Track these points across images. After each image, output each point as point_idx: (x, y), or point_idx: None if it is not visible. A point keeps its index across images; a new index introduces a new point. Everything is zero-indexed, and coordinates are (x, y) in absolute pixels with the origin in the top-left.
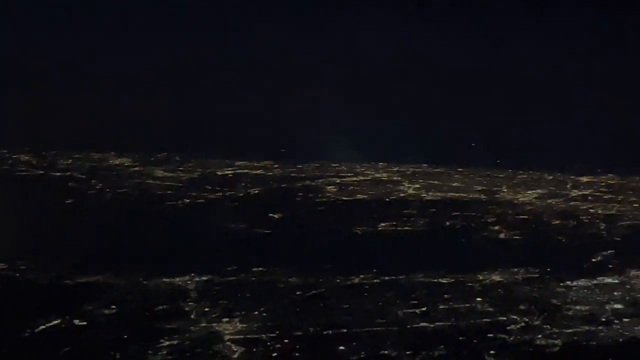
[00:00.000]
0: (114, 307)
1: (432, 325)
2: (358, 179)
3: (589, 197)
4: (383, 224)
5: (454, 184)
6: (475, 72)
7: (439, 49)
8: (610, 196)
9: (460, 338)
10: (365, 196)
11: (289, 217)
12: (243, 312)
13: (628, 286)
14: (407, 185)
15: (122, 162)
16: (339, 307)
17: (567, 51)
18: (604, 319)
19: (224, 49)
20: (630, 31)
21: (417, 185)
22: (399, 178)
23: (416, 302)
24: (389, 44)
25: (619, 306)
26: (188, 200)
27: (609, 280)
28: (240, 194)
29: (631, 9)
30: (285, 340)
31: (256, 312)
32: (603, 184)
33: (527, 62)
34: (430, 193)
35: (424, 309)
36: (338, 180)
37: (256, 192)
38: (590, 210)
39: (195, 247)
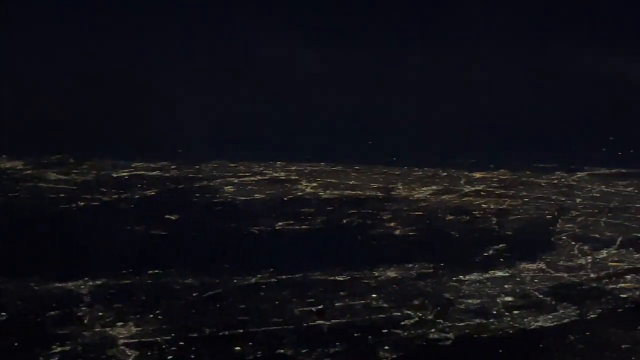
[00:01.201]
0: (3, 313)
1: (328, 323)
2: (256, 179)
3: (482, 193)
4: (280, 223)
5: (351, 182)
6: (368, 70)
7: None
8: (502, 191)
9: (355, 335)
10: (263, 195)
11: (186, 218)
12: (137, 316)
13: (518, 279)
14: (304, 184)
15: (13, 165)
16: (236, 307)
17: (460, 50)
18: (494, 312)
19: (128, 48)
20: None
21: (315, 184)
22: (296, 177)
23: (313, 300)
24: (272, 44)
25: (509, 299)
26: (82, 204)
27: (500, 273)
28: (137, 196)
29: None
30: (181, 343)
31: (151, 315)
32: (495, 179)
33: (421, 61)
34: (327, 191)
35: (320, 306)
36: (236, 180)
37: (152, 193)
38: (483, 205)
39: (90, 251)
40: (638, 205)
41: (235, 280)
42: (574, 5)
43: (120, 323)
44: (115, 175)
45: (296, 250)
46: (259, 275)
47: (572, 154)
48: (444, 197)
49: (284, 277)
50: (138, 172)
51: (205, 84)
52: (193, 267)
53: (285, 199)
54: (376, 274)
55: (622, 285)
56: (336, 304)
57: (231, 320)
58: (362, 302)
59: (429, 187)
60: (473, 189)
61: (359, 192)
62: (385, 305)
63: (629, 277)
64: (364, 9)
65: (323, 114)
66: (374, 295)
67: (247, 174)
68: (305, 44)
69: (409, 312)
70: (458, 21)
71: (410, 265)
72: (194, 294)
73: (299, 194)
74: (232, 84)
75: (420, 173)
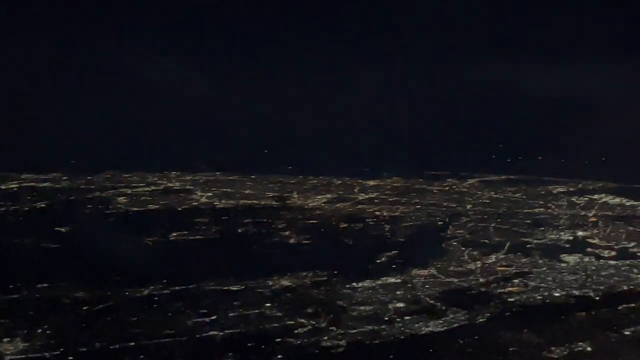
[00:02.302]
0: None
1: (221, 333)
2: (150, 189)
3: (375, 200)
4: (174, 234)
5: (246, 191)
6: (262, 79)
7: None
8: (395, 198)
9: (249, 344)
10: (156, 206)
11: (78, 230)
12: (25, 331)
13: (410, 285)
14: (199, 194)
15: None
16: (127, 320)
17: (355, 63)
18: (386, 318)
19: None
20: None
21: (210, 194)
22: (191, 187)
23: (206, 310)
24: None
25: (401, 305)
26: None
27: (392, 280)
28: (26, 208)
29: None
30: (70, 358)
31: (39, 330)
32: (388, 187)
33: (314, 75)
34: (222, 201)
35: (213, 317)
36: (129, 191)
37: (43, 205)
38: (376, 212)
39: None
40: (526, 211)
41: (127, 293)
42: (466, 17)
43: (7, 339)
44: (3, 187)
45: (190, 260)
46: (151, 287)
47: (463, 161)
48: (338, 205)
49: (177, 288)
50: (28, 184)
51: (95, 96)
52: (84, 280)
53: (179, 209)
54: (270, 283)
55: (510, 289)
56: (230, 314)
57: (122, 334)
58: (255, 311)
59: (323, 196)
60: (367, 196)
61: (254, 201)
62: (279, 314)
63: (516, 281)
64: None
65: (219, 125)
66: (267, 305)
67: (141, 185)
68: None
69: (302, 320)
70: (354, 38)
71: (304, 273)
72: (85, 308)
73: (194, 204)
74: (126, 97)
75: (315, 181)
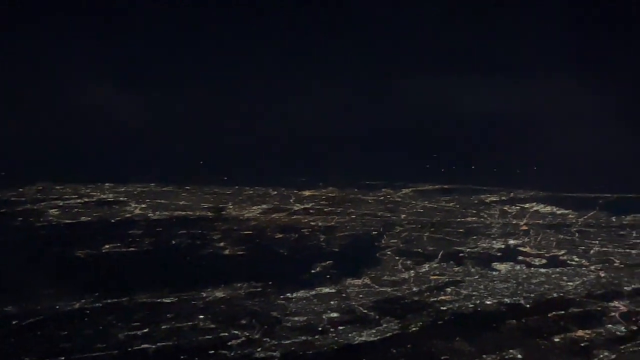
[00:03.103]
0: None
1: (153, 347)
2: (83, 201)
3: (311, 210)
4: (107, 246)
5: (181, 202)
6: (197, 92)
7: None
8: (330, 209)
9: (182, 357)
10: (89, 218)
11: (7, 243)
12: None
13: (344, 294)
14: (133, 206)
15: None
16: (58, 334)
17: (286, 74)
18: (320, 328)
19: None
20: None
21: (144, 205)
22: (125, 198)
23: (138, 323)
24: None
25: (334, 315)
26: None
27: (326, 290)
28: None
29: None
30: None
31: None
32: (324, 197)
33: (249, 83)
34: (157, 212)
35: (146, 330)
36: (61, 203)
37: None
38: (312, 223)
39: None
40: (459, 220)
41: (57, 307)
42: (403, 33)
43: None
44: None
45: (123, 273)
46: (82, 301)
47: (398, 172)
48: (273, 215)
49: (109, 301)
50: None
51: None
52: (13, 294)
53: (112, 221)
54: (204, 295)
55: (443, 297)
56: (162, 327)
57: (52, 348)
58: (189, 323)
59: (259, 206)
60: (302, 207)
61: (189, 212)
62: (212, 325)
63: (449, 289)
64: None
65: (154, 137)
66: (201, 316)
67: (74, 197)
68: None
69: (236, 332)
70: (291, 54)
71: (238, 284)
72: (14, 322)
73: (127, 215)
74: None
75: (251, 192)
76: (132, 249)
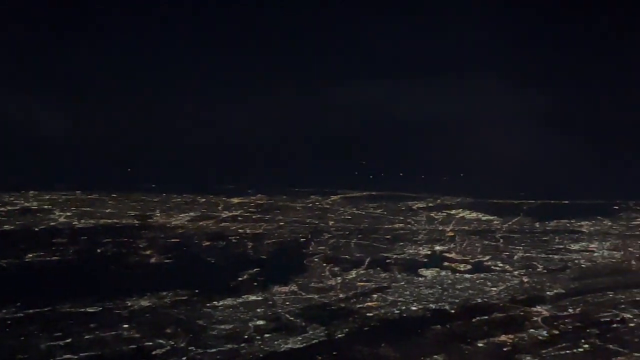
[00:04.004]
0: None
1: (76, 357)
2: (6, 209)
3: (239, 218)
4: (30, 255)
5: (107, 210)
6: (126, 99)
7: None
8: (258, 216)
9: None
10: (12, 226)
11: None
12: None
13: (271, 302)
14: (58, 214)
15: None
16: None
17: (216, 81)
18: (246, 336)
19: None
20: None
21: (69, 213)
22: (49, 206)
23: (60, 333)
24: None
25: (261, 322)
26: None
27: (253, 297)
28: None
29: None
30: None
31: None
32: (252, 204)
33: (181, 91)
34: (82, 220)
35: (68, 340)
36: None
37: None
38: (240, 230)
39: None
40: (386, 226)
41: None
42: (337, 40)
43: None
44: None
45: (46, 282)
46: (4, 311)
47: (327, 178)
48: (201, 223)
49: (31, 311)
50: None
51: None
52: None
53: (36, 229)
54: (129, 304)
55: (369, 304)
56: (85, 337)
57: None
58: (113, 333)
59: (187, 214)
60: (230, 214)
61: (115, 220)
62: (137, 335)
63: (375, 296)
64: None
65: (79, 143)
66: (125, 326)
67: None
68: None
69: (161, 341)
70: (220, 60)
71: (164, 293)
72: None
73: (52, 223)
74: None
75: (178, 199)
76: (56, 257)
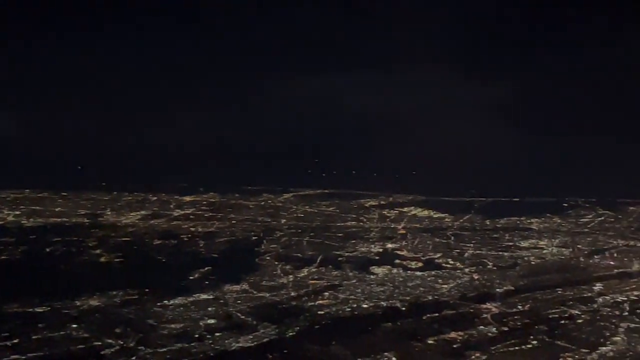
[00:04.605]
0: None
1: (24, 357)
2: None
3: (191, 216)
4: None
5: (56, 209)
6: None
7: None
8: (210, 214)
9: None
10: None
11: None
12: None
13: (222, 301)
14: (6, 212)
15: None
16: None
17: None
18: (197, 335)
19: None
20: None
21: (18, 212)
22: None
23: (8, 334)
24: None
25: (212, 321)
26: None
27: (204, 296)
28: None
29: None
30: None
31: None
32: (205, 202)
33: (130, 91)
34: (31, 219)
35: (16, 340)
36: None
37: None
38: (191, 228)
39: None
40: (339, 224)
41: None
42: (286, 35)
43: None
44: None
45: None
46: None
47: (280, 177)
48: (152, 221)
49: None
50: None
51: None
52: None
53: None
54: (78, 304)
55: (320, 302)
56: (33, 337)
57: None
58: (61, 333)
59: (138, 212)
60: (182, 212)
61: (65, 219)
62: (86, 335)
63: (327, 294)
64: None
65: (27, 142)
66: (74, 326)
67: None
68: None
69: (110, 340)
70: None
71: (114, 292)
72: None
73: (0, 222)
74: None
75: (130, 198)
76: (4, 257)
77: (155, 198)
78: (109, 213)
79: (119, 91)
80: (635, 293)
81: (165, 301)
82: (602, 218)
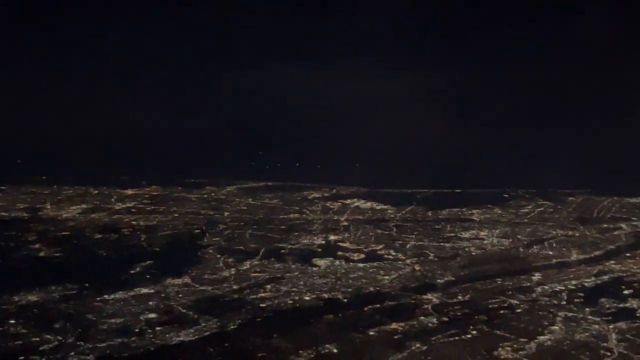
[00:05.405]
0: None
1: None
2: None
3: (133, 210)
4: None
5: None
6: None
7: None
8: (153, 207)
9: None
10: None
11: None
12: None
13: (163, 295)
14: None
15: None
16: None
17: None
18: (137, 330)
19: None
20: None
21: None
22: None
23: None
24: None
25: (153, 315)
26: None
27: (145, 290)
28: None
29: None
30: None
31: None
32: (147, 195)
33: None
34: None
35: None
36: None
37: None
38: (133, 222)
39: None
40: (282, 217)
41: None
42: (225, 25)
43: None
44: None
45: None
46: None
47: (223, 169)
48: (93, 215)
49: None
50: None
51: None
52: None
53: None
54: (16, 299)
55: (262, 295)
56: None
57: None
58: None
59: (78, 206)
60: (124, 206)
61: (3, 213)
62: (23, 330)
63: (269, 286)
64: None
65: None
66: (12, 322)
67: None
68: None
69: (48, 336)
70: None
71: (53, 287)
72: None
73: None
74: None
75: (70, 191)
76: None
77: (96, 191)
78: (49, 207)
79: (59, 82)
80: (573, 282)
81: (105, 296)
82: (542, 209)
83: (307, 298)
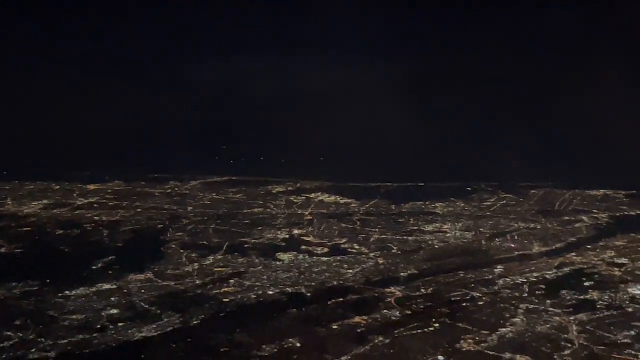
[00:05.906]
0: None
1: None
2: None
3: (95, 205)
4: None
5: None
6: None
7: None
8: (115, 203)
9: None
10: None
11: None
12: None
13: (126, 291)
14: None
15: None
16: None
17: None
18: (99, 326)
19: None
20: None
21: None
22: None
23: None
24: None
25: (115, 311)
26: None
27: (107, 286)
28: None
29: None
30: None
31: None
32: (110, 191)
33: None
34: None
35: None
36: None
37: None
38: (95, 217)
39: None
40: (245, 211)
41: None
42: (189, 16)
43: None
44: None
45: None
46: None
47: (186, 164)
48: (55, 211)
49: None
50: None
51: None
52: None
53: None
54: None
55: (226, 290)
56: None
57: None
58: None
59: (40, 202)
60: (87, 201)
61: None
62: None
63: (232, 281)
64: None
65: None
66: None
67: None
68: None
69: (9, 333)
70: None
71: (14, 284)
72: None
73: None
74: None
75: (32, 187)
76: None
77: (58, 187)
78: (10, 203)
79: (20, 75)
80: (535, 275)
81: (66, 292)
82: (504, 202)
83: (270, 293)
